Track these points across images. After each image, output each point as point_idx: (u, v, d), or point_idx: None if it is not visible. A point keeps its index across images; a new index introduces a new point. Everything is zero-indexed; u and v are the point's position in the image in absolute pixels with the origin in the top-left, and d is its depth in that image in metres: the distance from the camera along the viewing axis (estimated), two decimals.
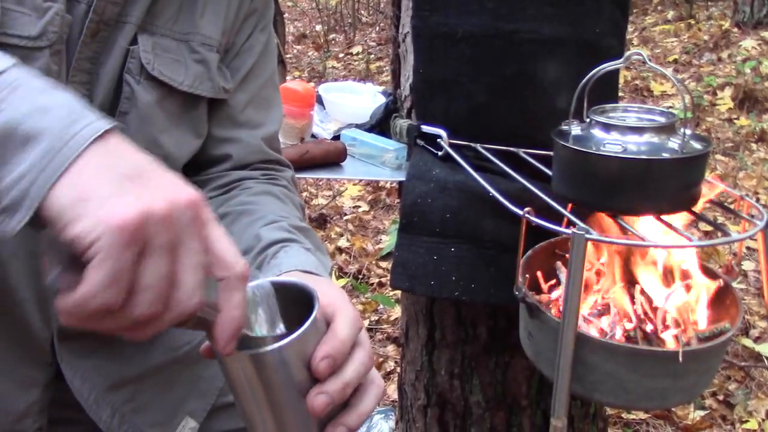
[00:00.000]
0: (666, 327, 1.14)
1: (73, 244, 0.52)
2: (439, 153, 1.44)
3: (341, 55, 7.91)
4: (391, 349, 2.93)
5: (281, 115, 1.18)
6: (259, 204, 1.03)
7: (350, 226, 3.98)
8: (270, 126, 1.13)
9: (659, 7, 7.86)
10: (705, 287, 1.19)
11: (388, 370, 2.81)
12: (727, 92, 5.29)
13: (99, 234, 0.51)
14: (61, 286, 0.53)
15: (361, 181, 4.37)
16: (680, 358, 1.03)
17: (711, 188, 1.18)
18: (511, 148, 1.39)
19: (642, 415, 2.48)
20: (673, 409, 2.46)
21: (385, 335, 3.03)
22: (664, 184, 1.09)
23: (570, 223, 1.10)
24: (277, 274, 0.85)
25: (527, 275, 1.23)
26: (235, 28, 1.06)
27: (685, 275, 1.20)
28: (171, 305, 0.56)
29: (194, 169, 1.10)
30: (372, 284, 3.40)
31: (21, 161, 0.54)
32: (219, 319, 0.60)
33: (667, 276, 1.20)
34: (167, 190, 0.55)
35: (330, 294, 0.73)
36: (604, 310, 1.19)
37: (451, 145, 1.42)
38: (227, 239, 0.60)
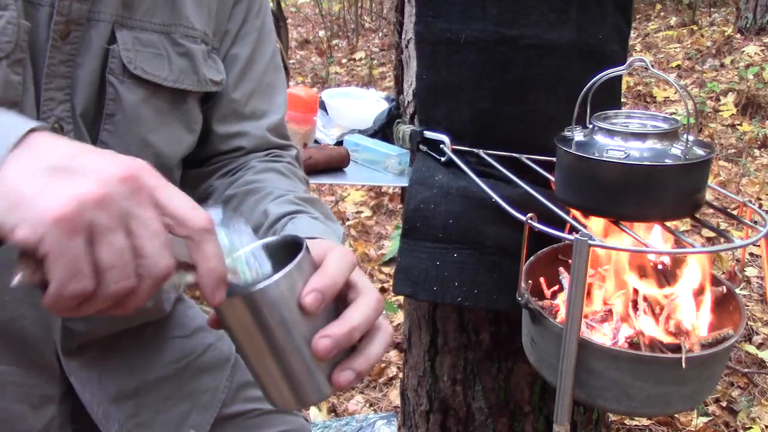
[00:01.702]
0: (669, 333, 1.14)
1: (23, 248, 0.53)
2: (442, 159, 1.44)
3: (344, 61, 7.92)
4: (393, 354, 2.92)
5: (285, 98, 1.15)
6: (265, 181, 1.02)
7: (353, 232, 3.98)
8: (274, 114, 1.11)
9: (662, 13, 7.87)
10: (708, 293, 1.19)
11: (391, 375, 2.81)
12: (730, 98, 5.29)
13: (41, 234, 0.52)
14: (28, 284, 0.55)
15: (363, 186, 4.37)
16: (683, 364, 1.03)
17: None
18: (514, 154, 1.39)
19: (645, 422, 2.48)
20: (676, 415, 2.45)
21: None
22: (666, 191, 1.09)
23: (573, 229, 1.10)
24: None
25: (530, 281, 1.23)
26: (224, 14, 1.03)
27: (688, 281, 1.20)
28: (143, 274, 0.57)
29: (201, 162, 1.09)
30: None
31: None
32: (199, 274, 0.60)
33: (670, 282, 1.20)
34: (98, 172, 0.55)
35: (324, 243, 0.74)
36: (607, 316, 1.19)
37: (454, 151, 1.42)
38: (180, 196, 0.60)
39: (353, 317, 0.68)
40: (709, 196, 1.16)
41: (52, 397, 0.96)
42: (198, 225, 0.59)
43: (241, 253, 0.68)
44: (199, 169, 1.09)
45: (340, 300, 0.71)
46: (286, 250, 0.70)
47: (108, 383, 1.03)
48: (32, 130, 0.57)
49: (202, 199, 1.05)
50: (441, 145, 1.44)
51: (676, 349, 1.11)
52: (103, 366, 1.03)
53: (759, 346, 2.80)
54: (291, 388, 0.68)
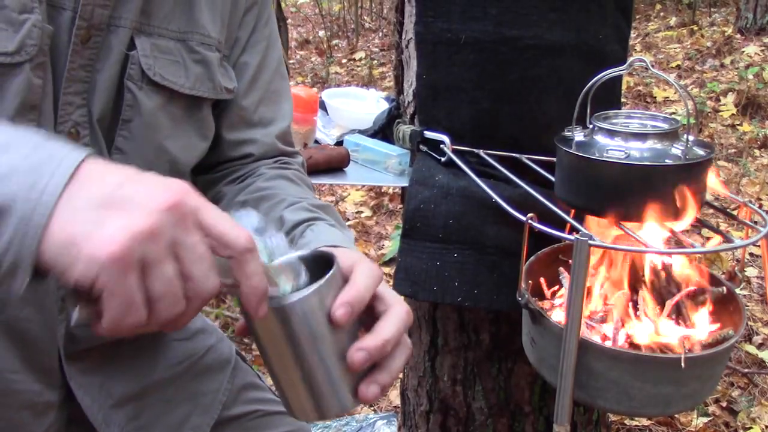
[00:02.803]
0: (669, 334, 1.14)
1: (78, 286, 0.54)
2: (442, 159, 1.44)
3: (344, 61, 7.92)
4: None
5: (291, 106, 1.16)
6: (276, 188, 1.03)
7: (353, 232, 3.98)
8: (281, 122, 1.12)
9: (662, 13, 7.87)
10: (708, 294, 1.19)
11: None
12: (730, 98, 5.29)
13: (96, 272, 0.53)
14: (85, 321, 0.57)
15: (363, 186, 4.37)
16: (683, 364, 1.03)
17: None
18: (514, 154, 1.39)
19: (645, 422, 2.48)
20: (676, 415, 2.45)
21: None
22: (667, 191, 1.09)
23: (573, 229, 1.10)
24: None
25: (530, 281, 1.23)
26: (236, 22, 1.04)
27: (688, 281, 1.20)
28: (192, 297, 0.59)
29: (210, 168, 1.09)
30: None
31: (3, 233, 0.55)
32: (242, 291, 0.62)
33: (670, 282, 1.20)
34: (146, 202, 0.56)
35: (351, 256, 0.75)
36: (607, 316, 1.19)
37: (454, 151, 1.42)
38: (222, 218, 0.61)
39: (386, 330, 0.70)
40: (709, 196, 1.16)
41: (52, 404, 0.96)
42: (241, 246, 0.61)
43: (277, 263, 0.69)
44: (208, 175, 1.10)
45: (366, 312, 0.72)
46: (316, 264, 0.72)
47: (110, 387, 1.03)
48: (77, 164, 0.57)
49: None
50: (441, 145, 1.44)
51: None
52: (105, 371, 1.03)
53: (759, 347, 2.80)
54: (314, 400, 0.69)
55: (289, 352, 0.67)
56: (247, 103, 1.07)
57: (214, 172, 1.10)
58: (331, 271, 0.68)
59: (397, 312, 0.72)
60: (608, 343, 1.13)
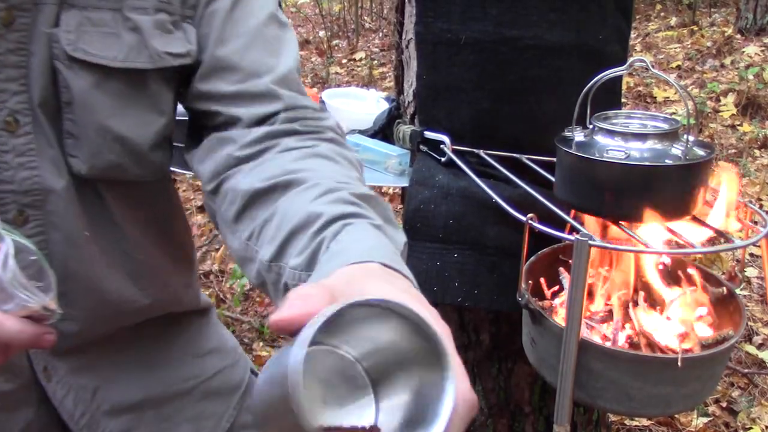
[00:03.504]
0: (669, 334, 1.14)
1: None
2: (443, 159, 1.44)
3: (344, 61, 7.92)
4: None
5: (295, 53, 0.97)
6: (309, 170, 0.81)
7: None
8: (279, 68, 0.92)
9: (662, 14, 7.87)
10: (708, 294, 1.19)
11: None
12: (730, 98, 5.29)
13: None
14: None
15: None
16: (679, 363, 1.03)
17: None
18: (515, 155, 1.39)
19: (645, 422, 2.48)
20: (676, 416, 2.45)
21: None
22: (667, 191, 1.09)
23: (573, 230, 1.10)
24: (339, 266, 0.62)
25: (530, 281, 1.23)
26: None
27: (689, 281, 1.20)
28: None
29: (204, 132, 0.93)
30: None
31: None
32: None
33: (671, 282, 1.20)
34: None
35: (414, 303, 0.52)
36: (607, 317, 1.19)
37: (455, 151, 1.42)
38: None
39: None
40: (709, 196, 1.16)
41: (27, 401, 0.93)
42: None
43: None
44: (197, 149, 0.94)
45: None
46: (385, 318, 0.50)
47: (105, 393, 0.99)
48: None
49: (216, 190, 0.89)
50: (441, 146, 1.44)
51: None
52: (103, 374, 0.99)
53: (759, 347, 2.80)
54: None
55: None
56: (225, 52, 0.90)
57: (212, 136, 0.91)
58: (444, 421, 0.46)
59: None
60: (608, 344, 1.13)
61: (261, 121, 0.89)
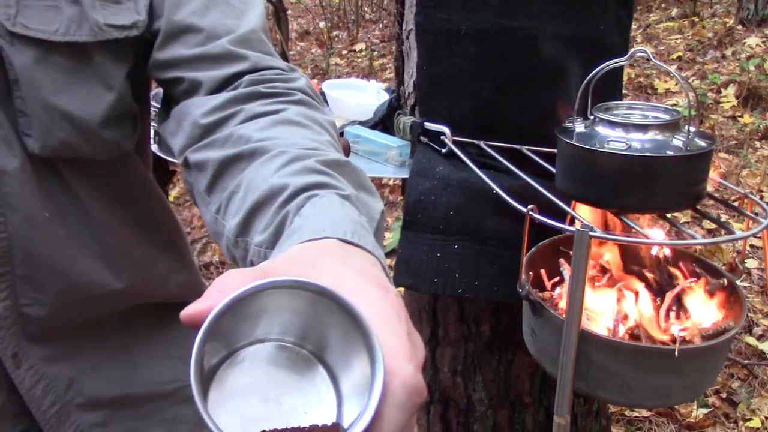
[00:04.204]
0: (669, 325, 1.14)
1: None
2: (443, 150, 1.44)
3: (344, 52, 7.91)
4: None
5: (260, 13, 0.92)
6: (275, 138, 0.77)
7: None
8: (241, 28, 0.87)
9: (663, 5, 7.84)
10: (709, 285, 1.19)
11: None
12: (731, 90, 5.28)
13: None
14: None
15: None
16: (676, 353, 1.03)
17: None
18: (515, 146, 1.38)
19: (645, 413, 2.48)
20: (676, 406, 2.45)
21: None
22: (668, 182, 1.09)
23: (574, 221, 1.10)
24: (295, 243, 0.59)
25: (530, 272, 1.23)
26: None
27: (689, 273, 1.20)
28: None
29: (172, 103, 0.90)
30: None
31: None
32: None
33: (671, 273, 1.20)
34: None
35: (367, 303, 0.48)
36: (608, 308, 1.19)
37: (455, 142, 1.41)
38: None
39: None
40: (709, 187, 1.16)
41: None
42: None
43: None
44: (167, 121, 0.89)
45: None
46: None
47: (81, 386, 0.94)
48: None
49: (187, 163, 0.85)
50: (442, 137, 1.44)
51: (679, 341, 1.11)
52: (80, 366, 0.94)
53: (759, 338, 2.80)
54: None
55: None
56: (181, 15, 0.85)
57: (181, 124, 0.86)
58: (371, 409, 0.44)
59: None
60: (608, 335, 1.13)
61: (223, 84, 0.85)
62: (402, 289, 2.37)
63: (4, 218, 0.83)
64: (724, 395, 2.55)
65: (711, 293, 1.18)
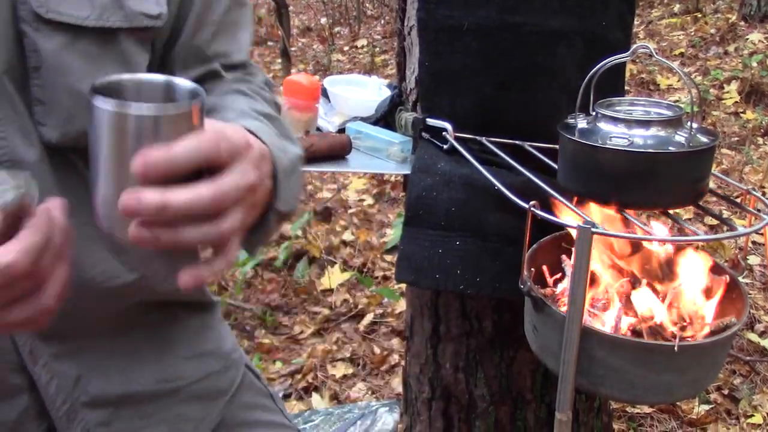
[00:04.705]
0: (672, 321, 1.14)
1: None
2: (445, 146, 1.44)
3: (346, 48, 7.90)
4: (395, 342, 2.93)
5: (249, 36, 1.05)
6: (226, 101, 0.93)
7: (355, 220, 3.98)
8: (237, 55, 1.02)
9: (665, 0, 7.83)
10: (711, 281, 1.18)
11: (393, 363, 2.82)
12: (734, 86, 5.27)
13: None
14: None
15: (366, 174, 4.36)
16: (676, 349, 1.03)
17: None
18: (517, 142, 1.38)
19: (647, 410, 2.48)
20: (677, 403, 2.45)
21: (390, 328, 3.04)
22: (670, 178, 1.09)
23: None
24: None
25: (532, 269, 1.23)
26: None
27: (691, 269, 1.20)
28: None
29: None
30: (377, 277, 3.40)
31: None
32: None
33: (673, 270, 1.20)
34: None
35: (247, 138, 0.71)
36: (610, 304, 1.19)
37: (457, 139, 1.41)
38: None
39: (177, 198, 0.64)
40: (712, 184, 1.16)
41: (20, 387, 0.89)
42: None
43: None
44: None
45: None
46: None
47: (86, 383, 0.94)
48: None
49: None
50: (443, 133, 1.43)
51: (681, 337, 1.11)
52: (86, 363, 0.94)
53: (761, 335, 2.80)
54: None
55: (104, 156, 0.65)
56: (199, 41, 0.96)
57: None
58: (176, 107, 0.66)
59: (220, 185, 0.67)
60: (611, 331, 1.13)
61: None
62: (403, 285, 2.37)
63: None
64: (725, 392, 2.55)
65: (713, 290, 1.18)
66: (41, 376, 0.90)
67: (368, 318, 3.09)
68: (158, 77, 0.74)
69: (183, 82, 0.73)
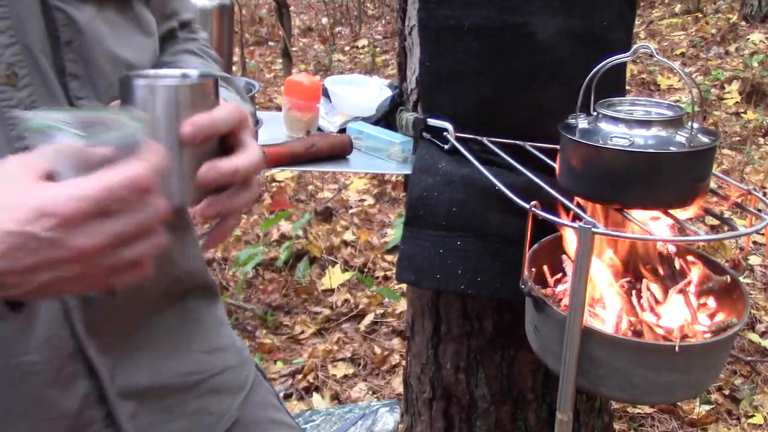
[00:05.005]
0: (673, 321, 1.14)
1: None
2: (446, 146, 1.44)
3: (347, 48, 7.90)
4: (396, 342, 2.93)
5: None
6: (179, 62, 1.02)
7: (356, 220, 3.98)
8: (185, 14, 1.09)
9: (666, 0, 7.83)
10: (712, 281, 1.18)
11: (393, 363, 2.82)
12: (735, 86, 5.27)
13: None
14: None
15: (366, 174, 4.36)
16: (676, 349, 1.03)
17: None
18: (518, 142, 1.38)
19: (647, 410, 2.48)
20: (678, 403, 2.45)
21: (391, 328, 3.04)
22: (671, 178, 1.09)
23: (576, 217, 1.10)
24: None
25: (533, 269, 1.23)
26: None
27: (692, 269, 1.20)
28: None
29: None
30: (377, 278, 3.40)
31: None
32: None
33: (674, 270, 1.20)
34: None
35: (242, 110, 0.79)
36: (610, 304, 1.19)
37: (458, 139, 1.41)
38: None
39: (237, 161, 0.76)
40: (713, 184, 1.16)
41: (78, 373, 0.90)
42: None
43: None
44: None
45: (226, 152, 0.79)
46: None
47: (120, 373, 0.95)
48: None
49: None
50: (444, 133, 1.43)
51: (682, 337, 1.11)
52: (116, 354, 0.95)
53: (762, 335, 2.80)
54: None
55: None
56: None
57: None
58: (197, 80, 0.79)
59: (252, 151, 0.78)
60: (611, 331, 1.13)
61: (166, 36, 1.06)
62: (404, 285, 2.37)
63: None
64: (726, 392, 2.55)
65: (714, 290, 1.18)
66: (100, 366, 0.92)
67: (369, 318, 3.10)
68: (174, 70, 0.85)
69: (192, 72, 0.83)
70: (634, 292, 1.18)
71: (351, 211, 4.11)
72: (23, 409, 0.86)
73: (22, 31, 0.79)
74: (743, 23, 6.53)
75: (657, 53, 1.12)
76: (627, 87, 1.94)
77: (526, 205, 1.11)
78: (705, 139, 1.09)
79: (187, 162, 0.74)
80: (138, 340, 0.99)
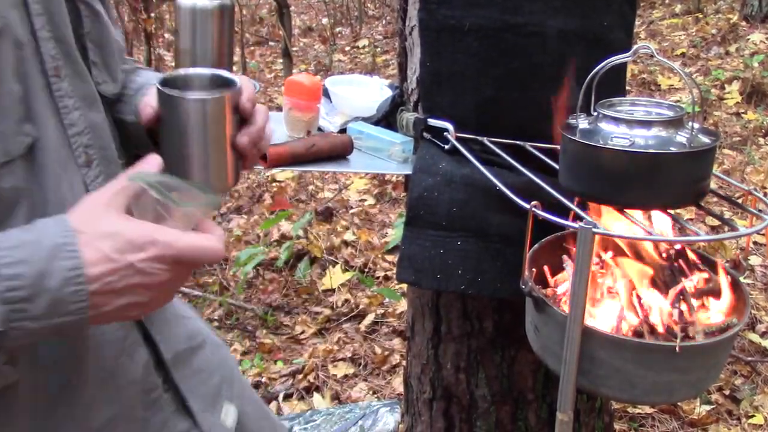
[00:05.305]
0: (673, 321, 1.14)
1: None
2: (446, 146, 1.44)
3: (348, 48, 7.90)
4: (396, 342, 2.93)
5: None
6: (144, 77, 1.10)
7: (356, 220, 3.98)
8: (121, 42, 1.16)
9: (667, 1, 7.83)
10: (712, 282, 1.18)
11: (394, 363, 2.82)
12: (735, 86, 5.27)
13: None
14: None
15: (367, 174, 4.36)
16: (677, 349, 1.03)
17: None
18: (518, 142, 1.38)
19: (648, 410, 2.48)
20: (678, 403, 2.45)
21: (391, 328, 3.04)
22: (671, 178, 1.09)
23: (577, 217, 1.10)
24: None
25: (534, 269, 1.23)
26: None
27: (692, 269, 1.20)
28: None
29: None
30: (378, 278, 3.40)
31: None
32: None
33: (674, 270, 1.20)
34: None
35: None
36: (611, 305, 1.19)
37: (458, 139, 1.41)
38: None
39: (258, 121, 0.93)
40: (713, 184, 1.16)
41: (137, 340, 0.97)
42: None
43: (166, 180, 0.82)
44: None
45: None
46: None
47: (160, 338, 1.03)
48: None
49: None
50: (445, 133, 1.43)
51: (682, 337, 1.11)
52: (156, 323, 1.03)
53: (762, 335, 2.80)
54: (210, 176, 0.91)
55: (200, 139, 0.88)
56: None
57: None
58: (235, 86, 0.91)
59: (262, 109, 0.94)
60: (612, 331, 1.13)
61: None
62: (405, 285, 2.37)
63: (107, 173, 0.90)
64: (727, 392, 2.55)
65: (714, 290, 1.18)
66: (156, 335, 1.01)
67: (369, 318, 3.10)
68: (201, 70, 0.98)
69: (202, 71, 0.97)
70: (634, 291, 1.18)
71: (351, 211, 4.11)
72: (102, 378, 0.92)
73: (54, 25, 0.84)
74: (743, 23, 6.52)
75: (657, 53, 1.12)
76: (627, 87, 1.94)
77: (527, 206, 1.11)
78: (705, 140, 1.09)
79: (231, 152, 0.91)
80: (165, 311, 1.07)
